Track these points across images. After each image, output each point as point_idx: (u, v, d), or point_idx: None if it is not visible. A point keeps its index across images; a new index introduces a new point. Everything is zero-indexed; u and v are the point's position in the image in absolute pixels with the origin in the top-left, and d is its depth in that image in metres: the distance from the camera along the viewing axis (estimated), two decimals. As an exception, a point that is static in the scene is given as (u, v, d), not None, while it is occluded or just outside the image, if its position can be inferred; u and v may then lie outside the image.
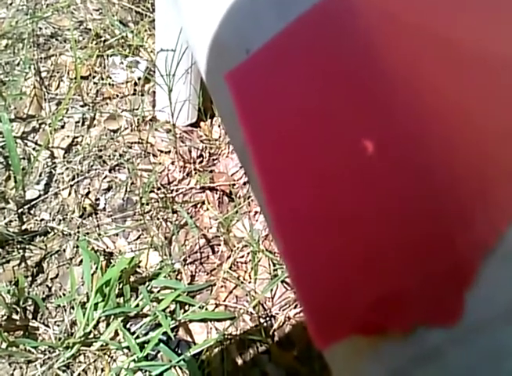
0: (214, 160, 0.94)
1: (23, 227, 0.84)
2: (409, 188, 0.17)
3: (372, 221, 0.17)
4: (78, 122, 0.94)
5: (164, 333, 0.75)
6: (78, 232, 0.84)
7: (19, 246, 0.82)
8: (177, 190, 0.89)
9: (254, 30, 0.22)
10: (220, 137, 0.96)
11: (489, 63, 0.19)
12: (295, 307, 0.82)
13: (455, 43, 0.19)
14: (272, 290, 0.82)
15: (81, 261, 0.80)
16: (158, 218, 0.87)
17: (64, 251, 0.83)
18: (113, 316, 0.77)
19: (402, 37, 0.19)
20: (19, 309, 0.77)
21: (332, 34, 0.20)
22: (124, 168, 0.90)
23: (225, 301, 0.82)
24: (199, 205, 0.89)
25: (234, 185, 0.90)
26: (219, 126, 0.96)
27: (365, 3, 0.20)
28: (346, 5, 0.20)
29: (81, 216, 0.86)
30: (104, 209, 0.88)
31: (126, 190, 0.89)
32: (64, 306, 0.79)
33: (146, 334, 0.77)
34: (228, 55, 0.23)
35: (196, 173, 0.91)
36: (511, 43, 0.19)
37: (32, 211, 0.85)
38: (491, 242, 0.15)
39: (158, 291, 0.81)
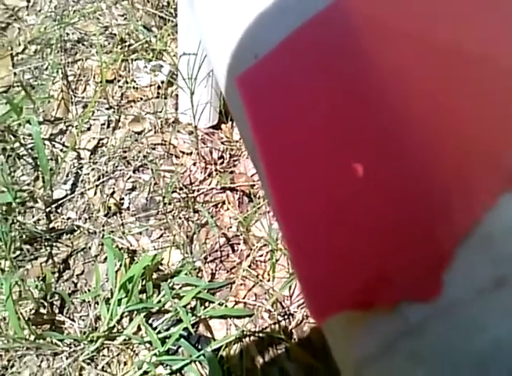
0: (234, 161, 0.96)
1: (51, 225, 0.87)
2: (398, 185, 0.19)
3: (366, 214, 0.19)
4: (104, 124, 0.97)
5: (185, 328, 0.77)
6: (103, 230, 0.87)
7: (46, 243, 0.85)
8: (198, 190, 0.91)
9: (261, 37, 0.24)
10: (240, 139, 0.98)
11: (477, 67, 0.20)
12: (313, 305, 0.83)
13: (443, 48, 0.21)
14: (290, 288, 0.83)
15: (106, 258, 0.83)
16: (180, 218, 0.89)
17: (90, 248, 0.86)
18: (135, 312, 0.80)
19: (393, 44, 0.21)
20: (46, 304, 0.80)
21: (331, 42, 0.21)
22: (148, 168, 0.93)
23: (244, 298, 0.83)
24: (219, 205, 0.91)
25: (253, 185, 0.92)
26: (240, 128, 0.98)
27: (358, 12, 0.21)
28: (343, 15, 0.21)
29: (105, 215, 0.89)
30: (128, 208, 0.90)
31: (149, 190, 0.91)
32: (89, 301, 0.82)
33: (168, 329, 0.79)
34: (239, 60, 0.25)
35: (216, 174, 0.93)
36: (499, 46, 0.21)
37: (59, 210, 0.89)
38: (467, 228, 0.17)
39: (179, 288, 0.83)
